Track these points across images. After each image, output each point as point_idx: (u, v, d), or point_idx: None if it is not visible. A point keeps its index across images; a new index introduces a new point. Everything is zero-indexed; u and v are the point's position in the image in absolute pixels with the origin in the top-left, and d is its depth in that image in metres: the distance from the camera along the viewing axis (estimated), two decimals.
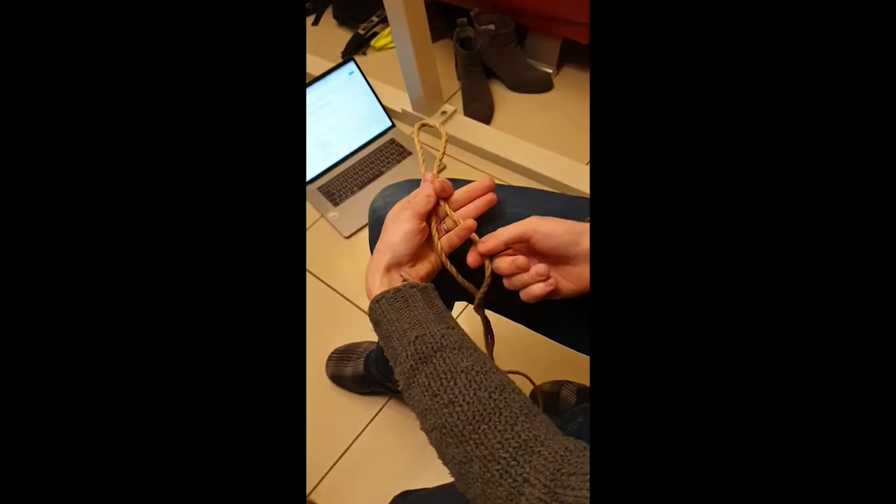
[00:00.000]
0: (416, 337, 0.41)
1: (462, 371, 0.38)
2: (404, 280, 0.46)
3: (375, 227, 0.57)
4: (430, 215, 0.49)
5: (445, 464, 0.37)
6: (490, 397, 0.36)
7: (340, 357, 0.98)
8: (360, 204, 1.23)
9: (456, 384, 0.37)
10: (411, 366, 0.40)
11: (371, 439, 0.93)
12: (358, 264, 1.16)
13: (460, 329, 0.43)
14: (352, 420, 0.95)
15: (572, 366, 0.92)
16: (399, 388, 0.41)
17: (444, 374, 0.38)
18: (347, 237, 1.19)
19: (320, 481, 0.90)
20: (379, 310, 0.44)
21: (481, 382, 0.37)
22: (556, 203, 0.52)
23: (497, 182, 0.56)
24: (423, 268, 0.49)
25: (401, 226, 0.47)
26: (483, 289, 0.48)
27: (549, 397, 0.87)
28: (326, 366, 0.99)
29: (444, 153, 0.56)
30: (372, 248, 0.60)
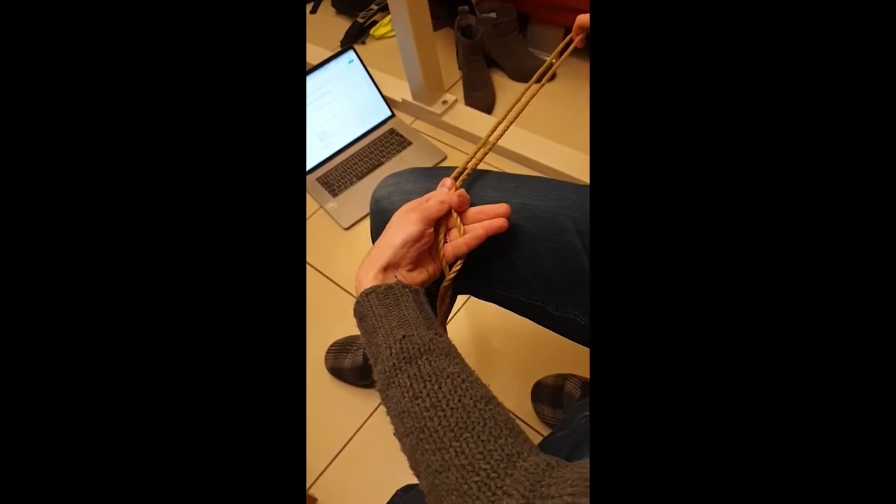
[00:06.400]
0: (404, 336, 0.39)
1: (448, 376, 0.36)
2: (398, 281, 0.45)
3: (377, 216, 0.56)
4: (439, 222, 0.47)
5: (417, 473, 0.35)
6: (475, 406, 0.35)
7: (339, 349, 0.96)
8: (359, 195, 1.22)
9: (441, 388, 0.36)
10: (394, 364, 0.38)
11: (372, 432, 0.92)
12: (357, 256, 1.14)
13: (447, 338, 0.42)
14: (352, 413, 0.94)
15: (577, 359, 0.91)
16: (376, 388, 0.40)
17: (429, 376, 0.36)
18: (347, 228, 1.18)
19: (320, 475, 0.89)
20: (367, 303, 0.42)
21: (467, 390, 0.36)
22: (567, 192, 0.51)
23: (505, 172, 0.55)
24: (419, 275, 0.47)
25: (406, 227, 0.45)
26: (453, 273, 0.48)
27: (552, 391, 0.86)
28: (325, 358, 0.98)
29: (475, 167, 0.53)
30: (374, 238, 0.59)
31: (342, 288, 1.10)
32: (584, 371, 0.89)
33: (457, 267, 0.48)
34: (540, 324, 0.56)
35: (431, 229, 0.46)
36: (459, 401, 0.35)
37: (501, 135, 0.55)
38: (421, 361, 0.37)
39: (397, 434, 0.37)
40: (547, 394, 0.87)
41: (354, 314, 0.44)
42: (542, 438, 0.53)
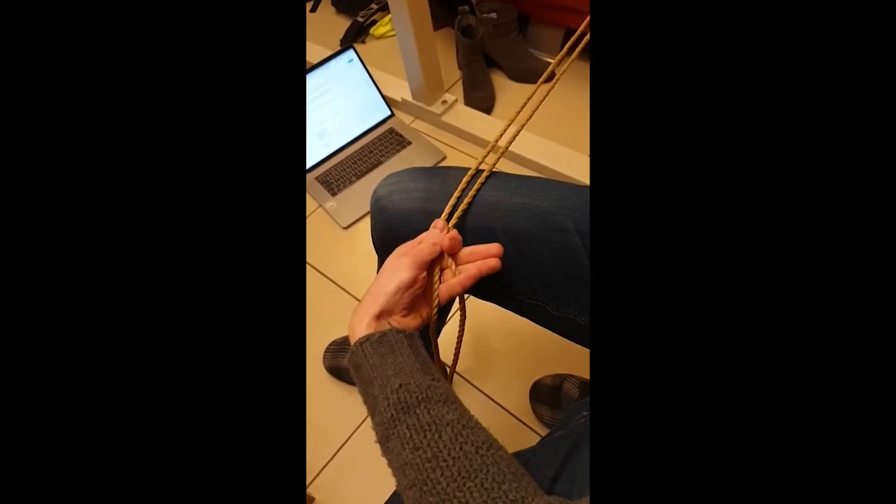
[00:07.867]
0: (400, 385, 0.38)
1: (448, 424, 0.36)
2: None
3: (378, 216, 0.56)
4: (432, 263, 0.47)
5: None
6: (477, 453, 0.34)
7: (338, 349, 0.96)
8: (358, 194, 1.22)
9: (441, 437, 0.35)
10: (392, 415, 0.37)
11: (370, 432, 0.90)
12: (356, 255, 1.14)
13: (445, 382, 0.41)
14: (350, 412, 0.94)
15: (577, 359, 0.91)
16: (375, 440, 0.39)
17: (429, 426, 0.36)
18: (345, 227, 1.18)
19: (318, 475, 0.89)
20: (362, 353, 0.42)
21: (468, 437, 0.35)
22: (567, 192, 0.51)
23: (504, 172, 0.55)
24: (413, 321, 0.47)
25: (399, 273, 0.44)
26: (435, 313, 0.48)
27: (551, 391, 0.86)
28: (324, 358, 0.97)
29: (469, 202, 0.51)
30: (373, 237, 0.59)
31: (341, 287, 1.10)
32: (583, 371, 0.89)
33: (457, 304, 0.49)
34: (540, 324, 0.56)
35: (424, 273, 0.46)
36: (461, 448, 0.34)
37: (509, 144, 0.54)
38: (420, 410, 0.37)
39: (400, 487, 0.36)
40: (545, 394, 0.87)
41: (349, 364, 0.43)
42: (540, 438, 0.53)
